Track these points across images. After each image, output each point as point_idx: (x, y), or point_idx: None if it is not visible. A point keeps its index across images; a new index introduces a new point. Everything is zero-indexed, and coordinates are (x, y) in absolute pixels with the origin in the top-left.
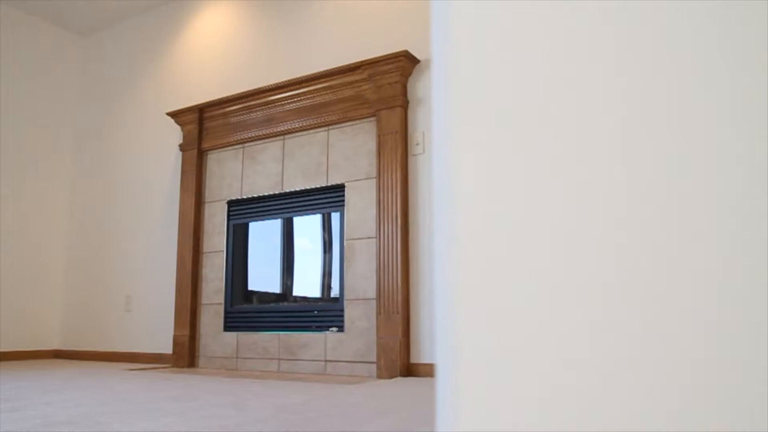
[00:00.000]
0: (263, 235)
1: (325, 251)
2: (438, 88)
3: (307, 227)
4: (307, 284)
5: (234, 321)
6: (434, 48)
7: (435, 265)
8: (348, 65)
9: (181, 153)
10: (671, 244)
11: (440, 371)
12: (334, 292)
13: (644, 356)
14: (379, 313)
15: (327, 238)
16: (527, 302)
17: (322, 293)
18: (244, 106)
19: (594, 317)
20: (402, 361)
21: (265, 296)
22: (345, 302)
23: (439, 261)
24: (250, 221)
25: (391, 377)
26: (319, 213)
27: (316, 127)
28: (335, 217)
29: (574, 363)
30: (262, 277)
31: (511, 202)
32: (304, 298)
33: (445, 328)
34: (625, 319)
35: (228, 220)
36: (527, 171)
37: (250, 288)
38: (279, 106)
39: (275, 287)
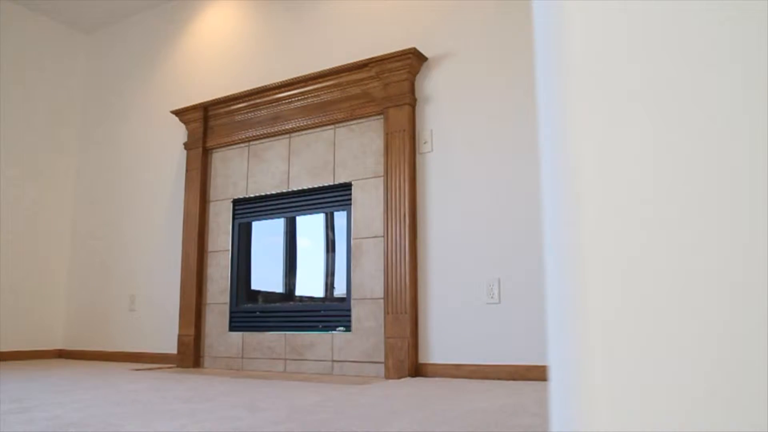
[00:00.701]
0: (270, 234)
1: (330, 250)
2: (548, 76)
3: (313, 226)
4: (313, 284)
5: (239, 321)
6: (539, 36)
7: (552, 261)
8: (355, 63)
9: (185, 151)
10: None
11: (564, 370)
12: (338, 291)
13: None
14: (386, 312)
15: (332, 237)
16: (660, 299)
17: (325, 293)
18: (250, 104)
19: (732, 316)
20: (410, 360)
21: (270, 296)
22: (352, 302)
23: (557, 258)
24: (257, 220)
25: (399, 377)
26: (326, 212)
27: (322, 125)
28: (341, 215)
29: (711, 362)
30: (268, 276)
31: (639, 195)
32: (311, 298)
33: (567, 328)
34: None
35: (233, 219)
36: (652, 160)
37: (254, 288)
38: (285, 104)
39: (281, 287)
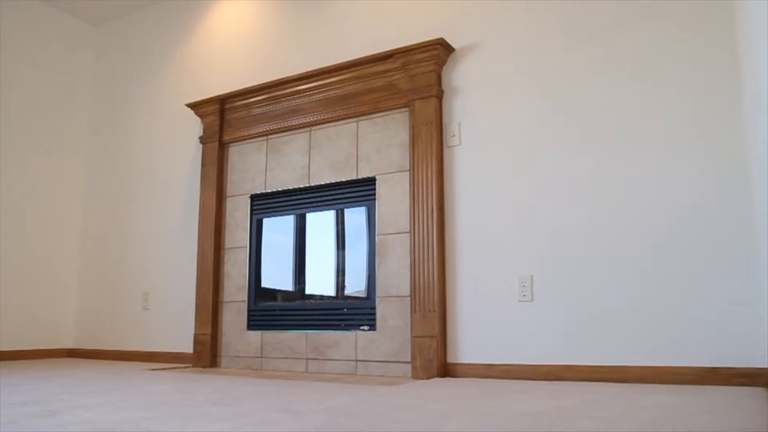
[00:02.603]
0: (287, 230)
1: (341, 248)
2: None
3: (325, 222)
4: (325, 282)
5: (258, 319)
6: None
7: None
8: (380, 54)
9: (201, 145)
10: None
11: None
12: (350, 289)
13: None
14: (414, 310)
15: (343, 234)
16: None
17: (337, 291)
18: (269, 97)
19: None
20: (439, 360)
21: (290, 294)
22: (377, 300)
23: None
24: (276, 216)
25: (427, 378)
26: (349, 207)
27: (345, 118)
28: (353, 212)
29: None
30: (284, 274)
31: None
32: (333, 297)
33: None
34: None
35: (251, 214)
36: None
37: (264, 286)
38: (306, 96)
39: (300, 284)
